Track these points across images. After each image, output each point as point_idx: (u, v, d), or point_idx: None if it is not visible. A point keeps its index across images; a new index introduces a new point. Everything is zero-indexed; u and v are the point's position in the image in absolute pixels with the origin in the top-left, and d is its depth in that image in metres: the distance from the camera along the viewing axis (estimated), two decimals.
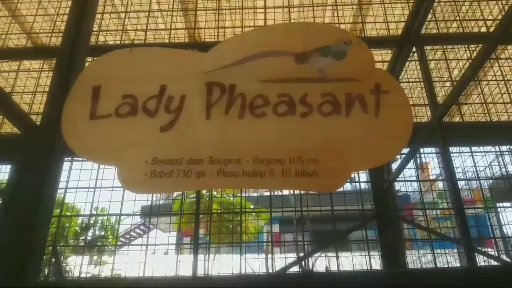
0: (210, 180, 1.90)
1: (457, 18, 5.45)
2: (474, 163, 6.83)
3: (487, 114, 5.92)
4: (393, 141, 1.97)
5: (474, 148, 7.42)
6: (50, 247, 5.30)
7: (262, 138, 2.00)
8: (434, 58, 6.06)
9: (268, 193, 8.26)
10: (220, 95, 2.07)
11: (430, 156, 8.99)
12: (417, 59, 5.42)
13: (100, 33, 4.93)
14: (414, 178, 10.03)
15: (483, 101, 5.98)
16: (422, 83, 5.48)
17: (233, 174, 1.90)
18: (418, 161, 8.80)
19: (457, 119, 6.35)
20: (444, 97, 5.59)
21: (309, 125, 2.00)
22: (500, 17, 5.08)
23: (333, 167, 1.93)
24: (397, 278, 2.95)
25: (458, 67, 5.88)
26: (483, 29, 5.35)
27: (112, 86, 2.11)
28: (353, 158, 1.95)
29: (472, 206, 9.44)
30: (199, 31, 5.13)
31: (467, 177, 8.64)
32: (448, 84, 5.91)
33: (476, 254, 4.08)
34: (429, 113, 5.73)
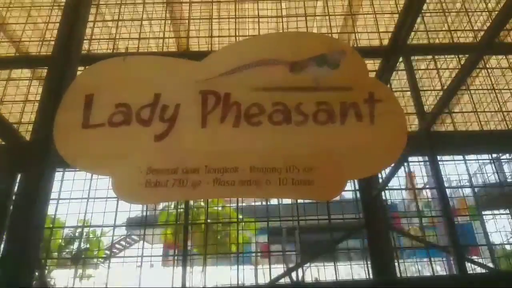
0: (206, 189, 1.88)
1: (443, 28, 5.56)
2: (468, 170, 6.92)
3: (473, 123, 6.02)
4: (388, 150, 1.99)
5: (460, 157, 7.53)
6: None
7: (258, 146, 1.99)
8: (421, 68, 6.16)
9: (254, 203, 8.27)
10: (215, 104, 2.06)
11: (417, 165, 9.08)
12: (403, 68, 5.50)
13: (91, 42, 4.89)
14: (401, 187, 10.13)
15: (469, 110, 6.09)
16: (407, 93, 5.55)
17: (230, 183, 1.88)
18: (406, 170, 8.89)
19: (443, 128, 6.44)
20: (431, 106, 5.68)
21: (305, 134, 2.00)
22: (485, 26, 5.20)
23: (329, 175, 1.93)
24: (391, 286, 2.97)
25: (444, 76, 5.99)
26: (471, 39, 5.46)
27: (105, 95, 2.08)
28: (349, 166, 1.96)
29: (465, 214, 9.54)
30: (190, 42, 5.12)
31: (452, 185, 8.76)
32: (434, 93, 6.00)
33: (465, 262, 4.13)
34: (415, 122, 5.80)
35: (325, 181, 1.91)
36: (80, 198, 5.28)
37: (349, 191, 5.80)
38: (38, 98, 4.26)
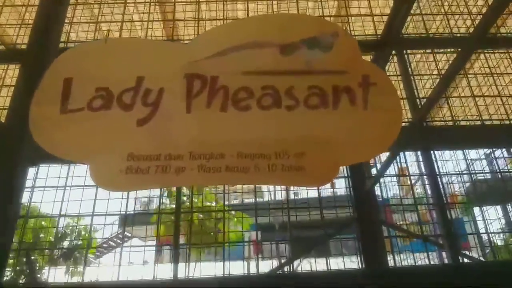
0: (191, 176, 1.78)
1: (440, 15, 5.49)
2: (467, 162, 6.87)
3: (471, 111, 5.96)
4: (382, 134, 1.90)
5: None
6: (24, 258, 5.02)
7: (246, 132, 1.89)
8: (414, 60, 6.10)
9: (249, 200, 8.19)
10: (201, 88, 1.96)
11: (409, 159, 9.05)
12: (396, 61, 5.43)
13: (72, 29, 4.66)
14: (393, 183, 10.10)
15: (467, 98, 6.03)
16: (401, 85, 5.48)
17: (216, 169, 1.78)
18: (398, 165, 8.86)
19: (441, 115, 6.37)
20: (427, 94, 5.63)
21: (296, 118, 1.90)
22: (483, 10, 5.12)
23: (321, 161, 1.84)
24: (386, 276, 2.91)
25: (443, 60, 5.92)
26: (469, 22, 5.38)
27: (85, 78, 1.97)
28: (342, 152, 1.87)
29: (458, 203, 9.51)
30: (177, 24, 4.93)
31: (444, 178, 8.73)
32: (428, 85, 5.95)
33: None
34: (408, 115, 5.73)
35: (316, 167, 1.82)
36: (55, 187, 5.07)
37: (341, 177, 5.69)
38: (14, 82, 3.99)
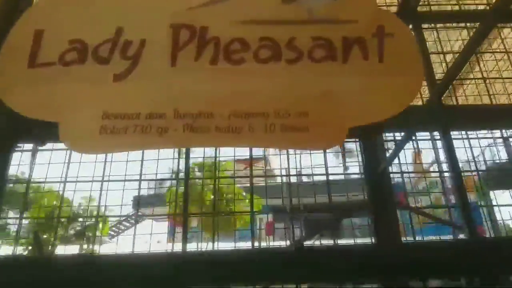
0: (175, 136, 1.53)
1: None
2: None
3: (485, 96, 5.60)
4: (400, 90, 1.62)
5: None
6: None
7: (240, 88, 1.63)
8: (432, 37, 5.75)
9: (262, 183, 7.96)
10: (189, 39, 1.70)
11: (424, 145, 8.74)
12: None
13: None
14: (408, 166, 9.75)
15: (482, 81, 5.67)
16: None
17: (203, 129, 1.53)
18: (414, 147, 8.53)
19: (454, 101, 6.03)
20: (443, 73, 5.29)
21: (298, 73, 1.64)
22: None
23: (327, 121, 1.57)
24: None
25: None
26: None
27: (57, 30, 1.74)
28: (351, 111, 1.60)
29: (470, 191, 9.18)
30: None
31: (460, 164, 8.35)
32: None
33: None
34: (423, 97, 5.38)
35: (322, 127, 1.56)
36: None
37: (352, 140, 5.37)
38: None
